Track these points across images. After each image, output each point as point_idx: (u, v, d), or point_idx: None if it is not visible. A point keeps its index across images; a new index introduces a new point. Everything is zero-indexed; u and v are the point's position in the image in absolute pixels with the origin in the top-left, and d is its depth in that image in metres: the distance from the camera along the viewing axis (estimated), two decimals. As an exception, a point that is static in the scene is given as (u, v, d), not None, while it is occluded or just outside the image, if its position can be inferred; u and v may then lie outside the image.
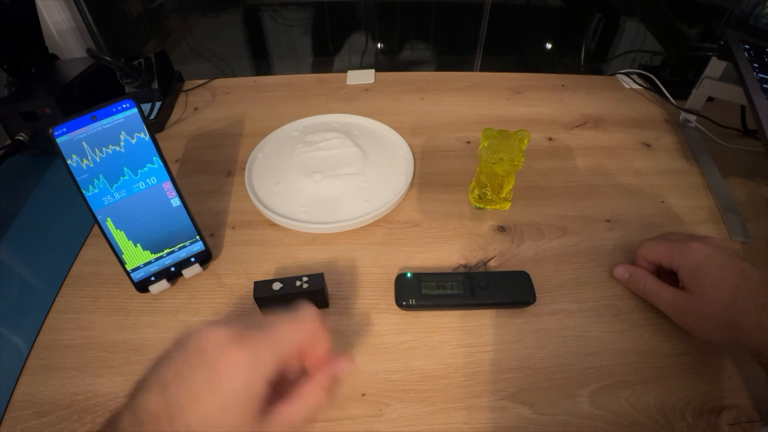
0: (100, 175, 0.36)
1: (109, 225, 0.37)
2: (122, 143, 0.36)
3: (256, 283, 0.38)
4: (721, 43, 0.49)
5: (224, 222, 0.48)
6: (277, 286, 0.37)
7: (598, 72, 0.77)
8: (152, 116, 0.59)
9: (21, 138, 0.53)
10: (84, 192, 0.36)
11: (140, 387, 0.25)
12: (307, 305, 0.28)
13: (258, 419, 0.25)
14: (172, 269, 0.41)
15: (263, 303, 0.38)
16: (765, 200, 0.50)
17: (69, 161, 0.35)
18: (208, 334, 0.26)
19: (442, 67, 1.09)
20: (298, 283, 0.38)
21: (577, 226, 0.47)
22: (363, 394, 0.34)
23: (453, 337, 0.38)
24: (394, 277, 0.41)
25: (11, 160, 0.52)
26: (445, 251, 0.44)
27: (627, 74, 0.70)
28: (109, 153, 0.36)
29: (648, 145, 0.57)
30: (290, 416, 0.26)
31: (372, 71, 0.71)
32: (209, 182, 0.53)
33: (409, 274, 0.40)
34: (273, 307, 0.39)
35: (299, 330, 0.27)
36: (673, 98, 0.62)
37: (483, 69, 0.90)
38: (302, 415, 0.27)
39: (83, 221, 0.48)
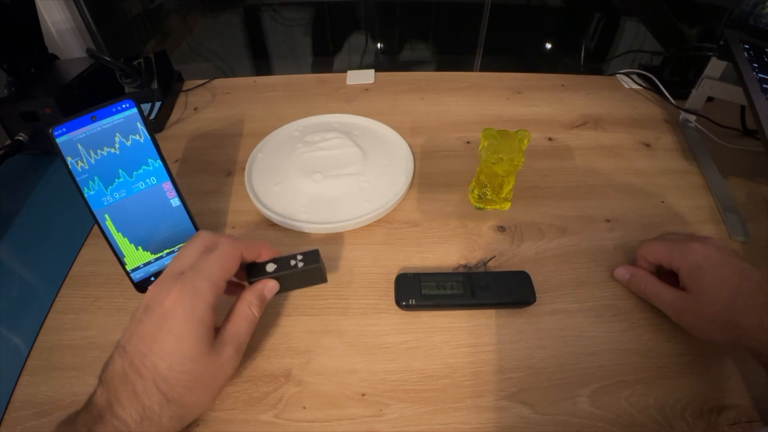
0: (96, 177, 0.36)
1: (109, 225, 0.37)
2: (117, 145, 0.36)
3: (248, 266, 0.36)
4: (721, 43, 0.49)
5: (224, 222, 0.48)
6: (270, 267, 0.35)
7: (598, 72, 0.77)
8: (152, 116, 0.59)
9: (21, 138, 0.53)
10: (84, 192, 0.36)
11: (105, 364, 0.29)
12: (222, 237, 0.32)
13: (211, 343, 0.29)
14: (172, 269, 0.41)
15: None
16: (765, 200, 0.50)
17: (72, 160, 0.35)
18: (148, 293, 0.30)
19: (442, 67, 1.09)
20: (292, 262, 0.36)
21: (577, 226, 0.47)
22: (363, 394, 0.34)
23: (453, 337, 0.38)
24: (394, 277, 0.41)
25: (11, 160, 0.52)
26: (445, 251, 0.44)
27: (627, 74, 0.70)
28: (104, 155, 0.36)
29: (648, 145, 0.57)
30: (234, 332, 0.31)
31: (372, 71, 0.71)
32: (209, 182, 0.53)
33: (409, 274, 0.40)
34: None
35: (225, 256, 0.31)
36: (673, 98, 0.62)
37: (483, 69, 0.90)
38: (243, 330, 0.31)
39: (83, 221, 0.48)
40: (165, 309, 0.28)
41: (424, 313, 0.39)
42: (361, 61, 1.06)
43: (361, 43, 1.06)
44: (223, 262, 0.31)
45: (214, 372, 0.29)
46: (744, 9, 0.48)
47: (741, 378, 0.35)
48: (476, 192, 0.48)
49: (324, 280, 0.38)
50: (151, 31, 1.00)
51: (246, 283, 0.35)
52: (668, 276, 0.38)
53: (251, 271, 0.36)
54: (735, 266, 0.33)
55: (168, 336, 0.27)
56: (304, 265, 0.36)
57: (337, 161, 0.52)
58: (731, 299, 0.32)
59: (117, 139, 0.36)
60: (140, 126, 0.37)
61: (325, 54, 1.11)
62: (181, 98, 0.67)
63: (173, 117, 0.63)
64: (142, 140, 0.37)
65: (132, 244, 0.39)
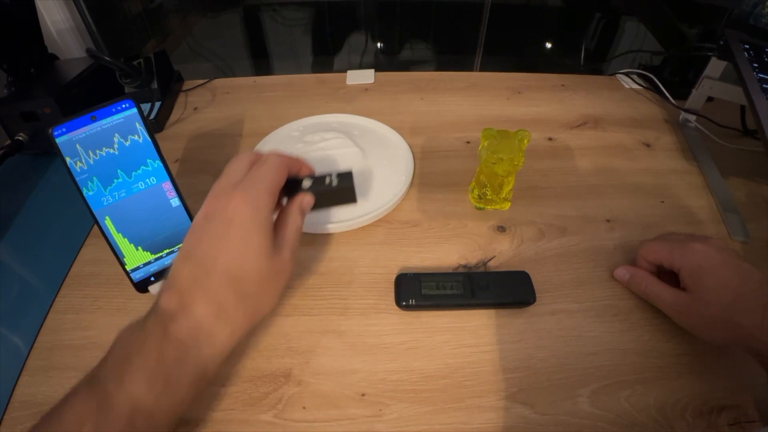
0: (94, 178, 0.36)
1: (109, 225, 0.37)
2: (116, 145, 0.36)
3: (288, 180, 0.36)
4: (721, 43, 0.49)
5: (224, 222, 0.48)
6: (307, 183, 0.37)
7: (598, 72, 0.77)
8: (152, 116, 0.59)
9: (21, 138, 0.53)
10: (83, 192, 0.36)
11: (167, 274, 0.30)
12: (269, 153, 0.34)
13: (272, 248, 0.31)
14: (172, 269, 0.41)
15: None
16: (765, 200, 0.50)
17: (71, 160, 0.35)
18: (203, 207, 0.31)
19: (442, 67, 1.09)
20: (327, 180, 0.37)
21: (577, 226, 0.47)
22: (363, 394, 0.34)
23: (453, 337, 0.38)
24: (394, 277, 0.41)
25: (11, 160, 0.52)
26: (445, 251, 0.44)
27: (627, 74, 0.70)
28: (103, 155, 0.36)
29: (648, 145, 0.57)
30: (289, 236, 0.33)
31: (372, 71, 0.71)
32: (209, 182, 0.51)
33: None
34: None
35: (276, 168, 0.32)
36: (673, 98, 0.62)
37: (483, 69, 0.90)
38: (296, 236, 0.33)
39: (83, 221, 0.48)
40: (229, 214, 0.29)
41: (424, 313, 0.39)
42: (361, 61, 1.06)
43: (361, 43, 1.06)
44: (275, 173, 0.32)
45: (279, 270, 0.31)
46: (744, 9, 0.48)
47: (741, 378, 0.35)
48: (476, 192, 0.48)
49: (354, 200, 0.39)
50: (151, 31, 1.00)
51: (283, 200, 0.36)
52: (668, 276, 0.38)
53: (288, 186, 0.38)
54: (736, 266, 0.33)
55: (236, 237, 0.29)
56: (338, 184, 0.37)
57: (336, 161, 0.52)
58: (732, 299, 0.32)
59: (116, 140, 0.36)
60: (139, 126, 0.37)
61: (325, 54, 1.10)
62: (181, 98, 0.67)
63: (173, 117, 0.63)
64: (140, 141, 0.37)
65: (132, 244, 0.39)
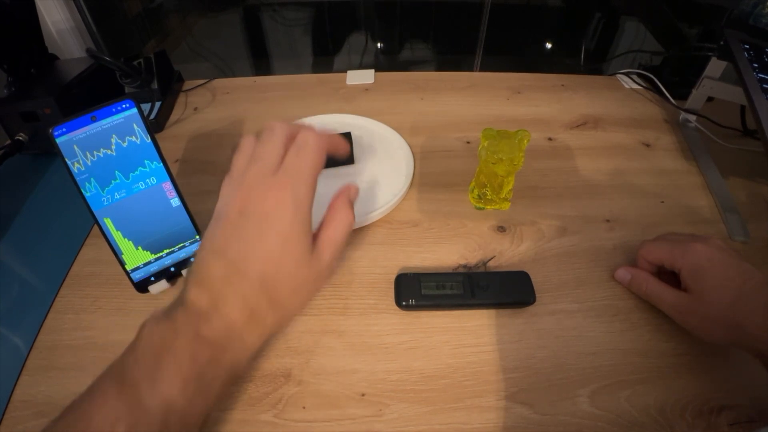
0: (92, 179, 0.36)
1: (109, 225, 0.37)
2: (113, 147, 0.36)
3: None
4: (721, 43, 0.49)
5: (224, 222, 0.48)
6: None
7: (598, 72, 0.77)
8: (152, 116, 0.59)
9: (21, 138, 0.53)
10: (83, 192, 0.36)
11: (193, 268, 0.28)
12: (306, 132, 0.30)
13: (311, 252, 0.28)
14: (172, 269, 0.41)
15: None
16: (765, 200, 0.50)
17: (69, 161, 0.35)
18: (236, 200, 0.28)
19: (442, 67, 1.09)
20: None
21: (577, 226, 0.47)
22: (363, 394, 0.34)
23: (453, 337, 0.38)
24: (394, 277, 0.41)
25: (11, 160, 0.52)
26: (445, 251, 0.44)
27: (627, 74, 0.70)
28: (101, 156, 0.36)
29: (648, 145, 0.57)
30: (333, 237, 0.30)
31: (372, 71, 0.71)
32: (209, 182, 0.53)
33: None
34: None
35: (316, 155, 0.29)
36: (673, 98, 0.62)
37: (483, 69, 0.90)
38: (341, 234, 0.30)
39: (83, 221, 0.48)
40: (266, 211, 0.27)
41: (424, 313, 0.39)
42: (361, 61, 1.06)
43: (361, 43, 1.06)
44: (315, 160, 0.29)
45: (315, 275, 0.29)
46: (744, 9, 0.48)
47: (741, 378, 0.35)
48: (476, 192, 0.48)
49: (352, 161, 0.48)
50: (151, 31, 1.00)
51: None
52: (669, 276, 0.38)
53: None
54: (737, 267, 0.33)
55: (273, 239, 0.27)
56: None
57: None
58: (733, 300, 0.32)
59: (113, 141, 0.36)
60: (137, 128, 0.37)
61: (325, 54, 1.11)
62: (181, 98, 0.67)
63: (173, 117, 0.63)
64: (138, 142, 0.37)
65: (132, 244, 0.39)
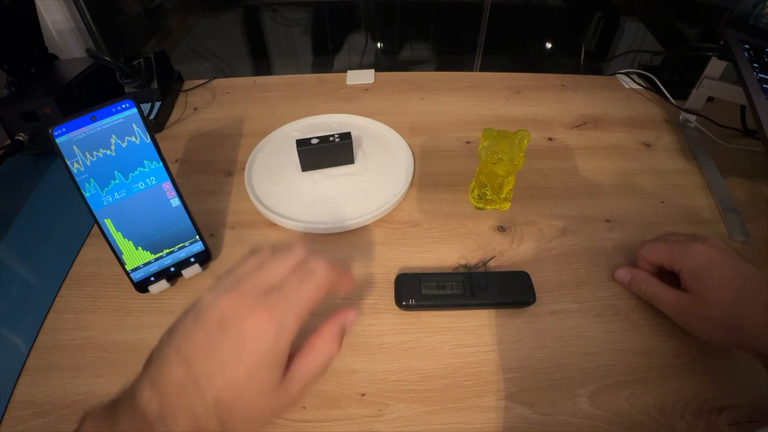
0: (91, 179, 0.36)
1: (109, 225, 0.37)
2: (113, 147, 0.36)
3: (298, 140, 0.49)
4: (721, 43, 0.49)
5: (224, 222, 0.48)
6: (315, 140, 0.49)
7: (598, 72, 0.77)
8: (152, 116, 0.59)
9: (21, 138, 0.53)
10: (83, 192, 0.36)
11: (155, 359, 0.25)
12: (318, 261, 0.29)
13: (281, 377, 0.26)
14: (172, 269, 0.41)
15: (304, 154, 0.50)
16: (765, 200, 0.50)
17: (68, 161, 0.35)
18: (223, 304, 0.26)
19: (442, 67, 1.09)
20: (331, 138, 0.49)
21: (577, 226, 0.47)
22: (363, 394, 0.34)
23: (453, 337, 0.38)
24: (394, 277, 0.41)
25: (11, 160, 0.52)
26: (445, 251, 0.44)
27: (627, 74, 0.70)
28: (100, 156, 0.36)
29: (648, 145, 0.57)
30: (308, 369, 0.27)
31: (372, 71, 0.71)
32: (209, 182, 0.53)
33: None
34: (311, 159, 0.51)
35: (318, 289, 0.28)
36: (673, 98, 0.62)
37: (483, 69, 0.90)
38: (318, 367, 0.28)
39: (83, 221, 0.48)
40: (245, 335, 0.25)
41: (424, 313, 0.39)
42: (361, 61, 1.06)
43: (361, 43, 1.06)
44: (315, 295, 0.28)
45: (277, 406, 0.27)
46: (744, 9, 0.48)
47: (741, 378, 0.35)
48: (476, 192, 0.48)
49: (352, 161, 0.52)
50: (151, 31, 1.00)
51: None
52: (669, 276, 0.38)
53: (299, 142, 0.49)
54: (737, 267, 0.33)
55: (242, 365, 0.25)
56: (339, 141, 0.49)
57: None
58: (734, 300, 0.32)
59: (113, 141, 0.36)
60: (136, 128, 0.37)
61: (325, 54, 1.10)
62: (181, 98, 0.67)
63: (173, 117, 0.63)
64: (138, 142, 0.37)
65: (132, 244, 0.39)
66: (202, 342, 0.25)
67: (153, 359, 0.26)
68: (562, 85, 0.68)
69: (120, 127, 0.36)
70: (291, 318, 0.26)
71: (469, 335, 0.38)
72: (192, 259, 0.42)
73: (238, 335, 0.25)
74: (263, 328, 0.25)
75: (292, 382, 0.26)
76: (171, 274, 0.41)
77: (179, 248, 0.41)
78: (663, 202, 0.49)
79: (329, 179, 0.51)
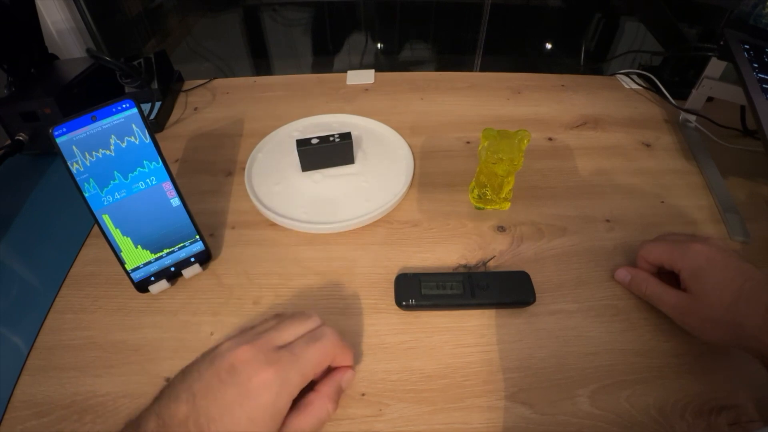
0: (91, 179, 0.36)
1: (109, 225, 0.37)
2: (112, 147, 0.36)
3: (298, 140, 0.49)
4: (721, 43, 0.49)
5: (224, 222, 0.48)
6: (315, 140, 0.49)
7: (598, 72, 0.77)
8: (152, 116, 0.59)
9: (21, 138, 0.53)
10: (83, 192, 0.36)
11: (166, 394, 0.27)
12: (328, 329, 0.32)
13: (277, 430, 0.27)
14: (172, 269, 0.41)
15: (304, 154, 0.50)
16: (765, 200, 0.50)
17: (69, 161, 0.35)
18: (237, 353, 0.28)
19: (442, 67, 1.09)
20: (331, 138, 0.49)
21: (577, 226, 0.47)
22: (363, 394, 0.34)
23: (453, 337, 0.38)
24: (394, 277, 0.41)
25: (11, 160, 0.52)
26: (445, 251, 0.44)
27: (627, 74, 0.70)
28: (99, 157, 0.36)
29: (648, 145, 0.57)
30: (302, 427, 0.29)
31: (372, 71, 0.71)
32: (209, 182, 0.53)
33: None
34: (311, 159, 0.51)
35: (324, 353, 0.30)
36: (673, 98, 0.62)
37: (483, 69, 0.90)
38: (313, 425, 0.29)
39: (83, 221, 0.48)
40: (251, 387, 0.27)
41: (424, 313, 0.39)
42: (361, 61, 1.06)
43: (361, 43, 1.06)
44: (321, 359, 0.30)
45: None
46: (744, 9, 0.48)
47: (741, 378, 0.35)
48: (476, 192, 0.48)
49: (352, 161, 0.52)
50: (151, 31, 1.00)
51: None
52: (668, 276, 0.38)
53: (299, 142, 0.49)
54: (737, 267, 0.33)
55: (244, 415, 0.26)
56: (339, 141, 0.49)
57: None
58: (734, 300, 0.32)
59: (112, 142, 0.36)
60: (136, 128, 0.37)
61: (325, 54, 1.10)
62: (181, 98, 0.67)
63: (173, 117, 0.63)
64: (137, 142, 0.37)
65: (132, 244, 0.39)
66: (211, 384, 0.27)
67: (164, 394, 0.27)
68: (562, 85, 0.68)
69: (119, 127, 0.36)
70: (296, 377, 0.28)
71: (469, 335, 0.38)
72: (192, 259, 0.42)
73: (245, 384, 0.27)
74: (269, 382, 0.27)
75: None
76: (171, 274, 0.41)
77: (179, 248, 0.41)
78: (663, 202, 0.49)
79: (329, 179, 0.51)
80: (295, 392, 0.28)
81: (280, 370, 0.28)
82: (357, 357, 0.37)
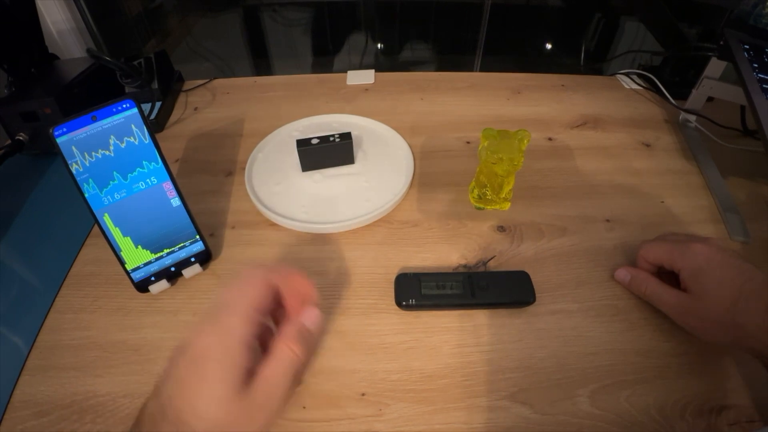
0: (90, 180, 0.36)
1: (109, 225, 0.37)
2: (111, 147, 0.36)
3: (298, 140, 0.49)
4: (721, 43, 0.49)
5: (224, 222, 0.48)
6: (315, 140, 0.49)
7: (598, 72, 0.77)
8: (152, 116, 0.59)
9: (21, 138, 0.53)
10: (84, 192, 0.36)
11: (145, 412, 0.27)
12: (250, 268, 0.29)
13: (243, 387, 0.25)
14: (172, 269, 0.41)
15: (304, 154, 0.49)
16: (765, 200, 0.50)
17: (69, 161, 0.35)
18: (189, 332, 0.27)
19: (442, 67, 1.09)
20: (331, 138, 0.49)
21: (577, 226, 0.47)
22: (363, 394, 0.34)
23: (453, 337, 0.38)
24: (394, 277, 0.41)
25: (11, 160, 0.52)
26: (445, 251, 0.44)
27: (627, 74, 0.70)
28: (99, 157, 0.36)
29: (648, 145, 0.57)
30: (270, 376, 0.26)
31: (372, 71, 0.71)
32: (209, 182, 0.53)
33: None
34: (311, 159, 0.50)
35: (254, 286, 0.28)
36: (673, 98, 0.62)
37: (483, 69, 0.90)
38: (281, 373, 0.27)
39: (83, 221, 0.48)
40: (196, 352, 0.26)
41: (424, 313, 0.39)
42: (361, 61, 1.06)
43: (361, 43, 1.06)
44: (247, 292, 0.28)
45: (242, 419, 0.25)
46: (744, 9, 0.48)
47: (741, 378, 0.35)
48: (476, 192, 0.48)
49: (352, 161, 0.52)
50: (151, 31, 1.00)
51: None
52: (668, 276, 0.38)
53: (299, 142, 0.49)
54: (737, 267, 0.33)
55: (195, 379, 0.25)
56: (339, 141, 0.49)
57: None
58: (734, 300, 0.32)
59: (111, 142, 0.36)
60: (135, 128, 0.37)
61: (325, 54, 1.10)
62: (181, 98, 0.67)
63: (173, 117, 0.63)
64: (136, 143, 0.37)
65: (132, 244, 0.39)
66: (168, 372, 0.26)
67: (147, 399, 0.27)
68: (562, 85, 0.68)
69: (119, 127, 0.36)
70: (234, 321, 0.26)
71: (469, 335, 0.38)
72: (192, 259, 0.42)
73: (191, 355, 0.26)
74: (210, 340, 0.26)
75: (256, 390, 0.26)
76: (171, 274, 0.41)
77: (179, 248, 0.41)
78: (663, 202, 0.49)
79: (329, 179, 0.51)
80: (243, 336, 0.26)
81: (215, 323, 0.26)
82: (357, 357, 0.37)
